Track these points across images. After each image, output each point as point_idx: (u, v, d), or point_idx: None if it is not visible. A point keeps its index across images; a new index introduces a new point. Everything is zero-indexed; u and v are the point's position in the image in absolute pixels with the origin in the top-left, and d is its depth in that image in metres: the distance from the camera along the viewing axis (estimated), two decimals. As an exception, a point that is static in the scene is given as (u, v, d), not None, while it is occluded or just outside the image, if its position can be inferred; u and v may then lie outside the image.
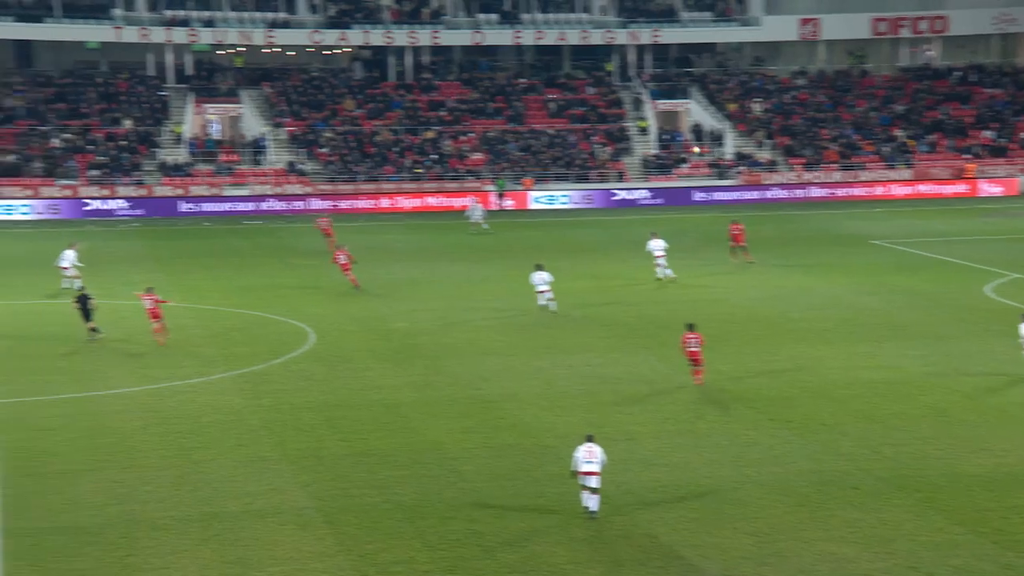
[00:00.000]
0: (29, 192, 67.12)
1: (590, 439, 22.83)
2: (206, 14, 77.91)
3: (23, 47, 78.48)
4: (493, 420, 28.25)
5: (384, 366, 33.17)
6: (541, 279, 39.98)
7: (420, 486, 23.82)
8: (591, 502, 22.12)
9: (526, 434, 27.20)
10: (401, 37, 79.80)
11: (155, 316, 35.87)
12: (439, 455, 25.73)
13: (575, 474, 22.35)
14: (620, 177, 75.50)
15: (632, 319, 39.27)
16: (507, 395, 30.33)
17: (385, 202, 71.01)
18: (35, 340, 35.61)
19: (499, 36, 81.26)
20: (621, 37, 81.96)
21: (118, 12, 76.23)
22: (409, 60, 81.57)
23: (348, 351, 34.93)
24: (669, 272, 44.85)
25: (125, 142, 72.54)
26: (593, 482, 22.15)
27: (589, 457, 22.31)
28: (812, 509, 22.57)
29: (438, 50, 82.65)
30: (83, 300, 35.86)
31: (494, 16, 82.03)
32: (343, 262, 44.85)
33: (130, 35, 75.22)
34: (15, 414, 28.07)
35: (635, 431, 27.21)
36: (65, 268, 43.43)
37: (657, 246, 44.98)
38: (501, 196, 71.45)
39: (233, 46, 79.19)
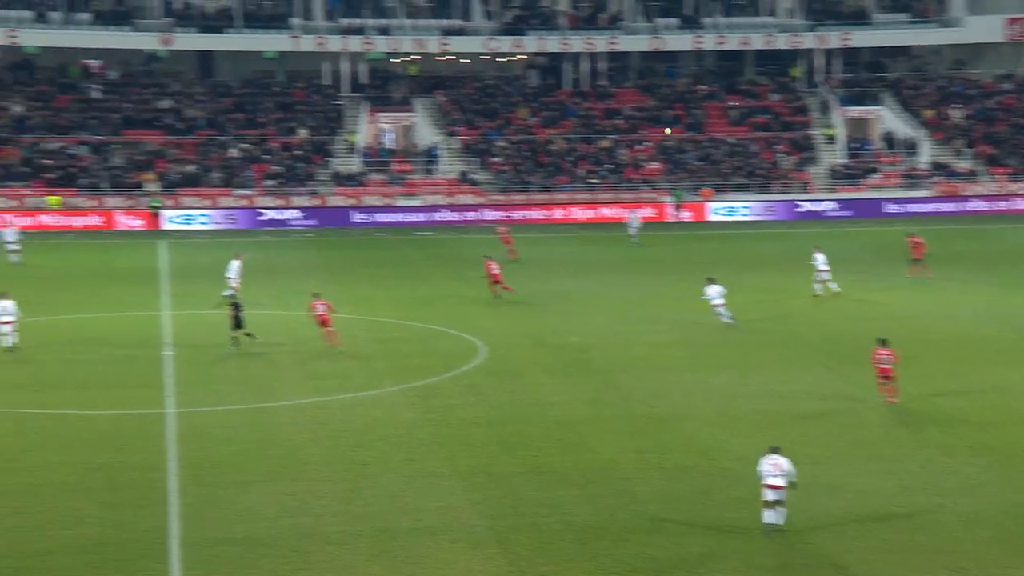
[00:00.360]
0: (207, 202, 69.66)
1: (775, 450, 22.56)
2: (382, 22, 79.62)
3: (205, 58, 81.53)
4: (668, 439, 28.03)
5: (556, 381, 33.25)
6: (715, 292, 39.91)
7: (593, 506, 23.78)
8: (776, 516, 21.87)
9: (703, 455, 26.90)
10: (577, 43, 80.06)
11: (325, 322, 36.71)
12: (613, 475, 25.64)
13: (762, 487, 22.22)
14: (805, 188, 74.16)
15: (812, 336, 38.55)
16: (682, 413, 30.06)
17: (558, 213, 71.33)
18: (209, 349, 36.89)
19: (679, 41, 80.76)
20: (808, 41, 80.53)
21: (296, 21, 78.54)
22: (585, 67, 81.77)
23: (519, 365, 35.11)
24: (834, 286, 44.16)
25: (300, 152, 74.65)
26: (778, 496, 21.91)
27: (775, 470, 22.14)
28: (1016, 544, 21.70)
29: (615, 56, 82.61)
30: (236, 307, 36.93)
31: (674, 20, 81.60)
32: (495, 272, 45.27)
33: (307, 44, 77.39)
34: (192, 424, 29.12)
35: (818, 454, 26.64)
36: (230, 278, 44.93)
37: (820, 260, 44.43)
38: (678, 207, 70.96)
39: (407, 54, 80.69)
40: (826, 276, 44.45)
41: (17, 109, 73.99)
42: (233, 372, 34.23)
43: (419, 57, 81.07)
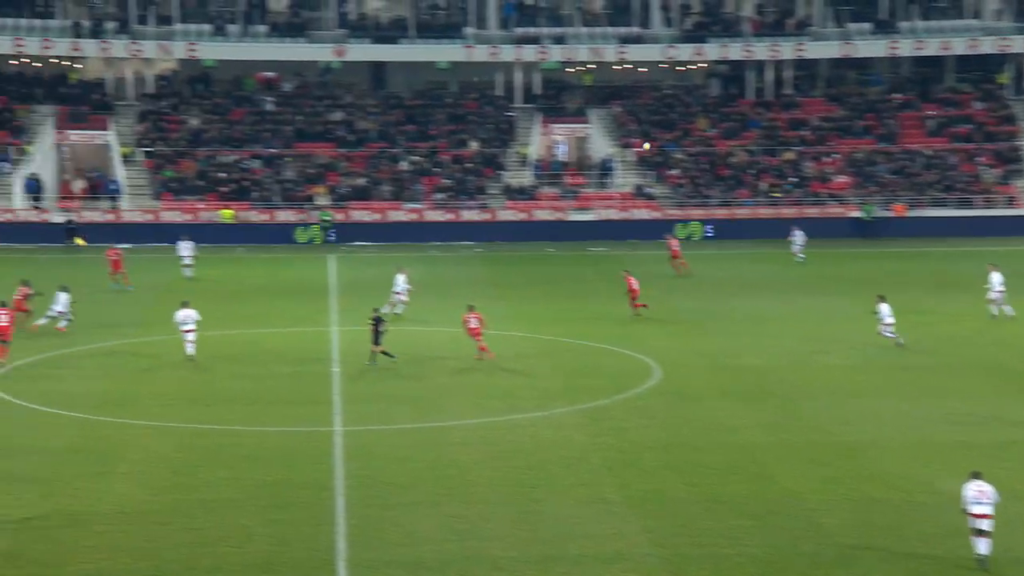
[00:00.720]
0: (377, 216, 70.96)
1: (977, 476, 21.99)
2: (557, 30, 79.94)
3: (378, 69, 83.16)
4: (856, 469, 27.31)
5: (734, 405, 32.79)
6: (886, 311, 39.27)
7: (774, 538, 23.30)
8: (986, 548, 21.36)
9: (894, 487, 26.13)
10: (762, 51, 79.02)
11: (476, 335, 37.16)
12: (796, 505, 25.09)
13: (965, 514, 21.72)
14: (1010, 202, 71.60)
15: (1013, 360, 37.13)
16: (872, 442, 29.29)
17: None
18: (383, 366, 37.44)
19: (872, 47, 78.98)
20: (1018, 44, 77.74)
21: (470, 31, 79.48)
22: (769, 75, 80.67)
23: (695, 388, 34.76)
24: (1008, 309, 42.68)
25: (471, 164, 75.44)
26: (985, 525, 21.36)
27: (979, 497, 21.66)
28: None
29: (802, 64, 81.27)
30: (378, 321, 37.31)
31: (867, 25, 79.75)
32: (635, 287, 45.20)
33: (480, 54, 78.23)
34: (359, 442, 29.59)
35: (1021, 489, 25.57)
36: (398, 293, 45.56)
37: (995, 280, 42.95)
38: (869, 223, 69.39)
39: (583, 64, 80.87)
40: (999, 297, 42.97)
41: (194, 122, 76.67)
42: (401, 390, 34.70)
43: (595, 66, 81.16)
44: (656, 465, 27.82)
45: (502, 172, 75.53)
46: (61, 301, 41.99)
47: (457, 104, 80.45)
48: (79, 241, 64.31)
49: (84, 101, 76.68)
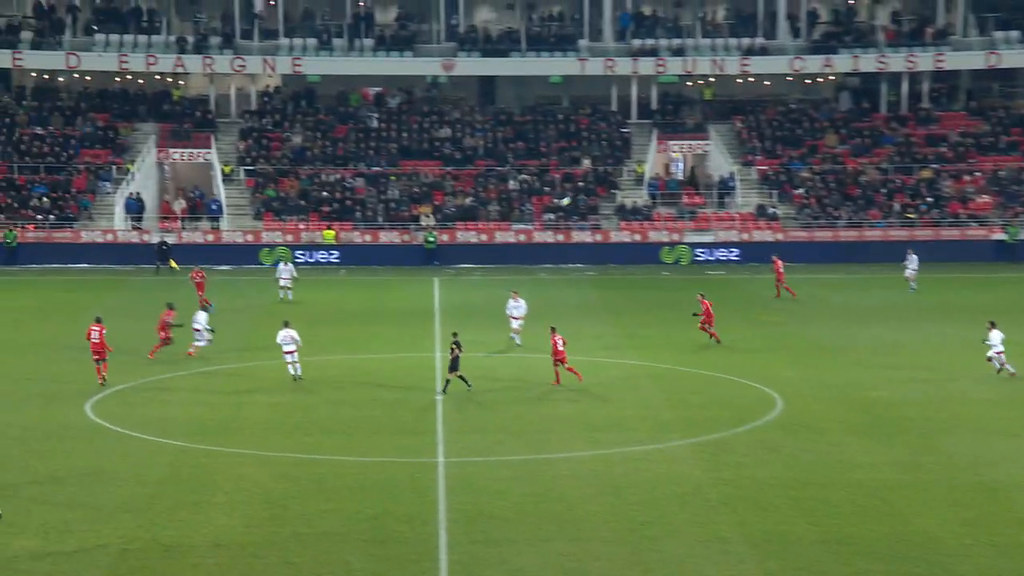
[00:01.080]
0: (484, 236, 71.29)
1: None
2: (676, 42, 79.71)
3: (487, 83, 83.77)
4: (999, 512, 26.59)
5: (862, 441, 32.21)
6: (997, 338, 39.22)
7: (905, 586, 22.78)
8: None
9: (1037, 532, 25.40)
10: (897, 62, 77.93)
11: (562, 360, 37.63)
12: (930, 549, 24.49)
13: None
14: None
15: None
16: (1017, 483, 28.52)
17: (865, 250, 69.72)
18: (481, 395, 37.49)
19: (1019, 57, 77.40)
20: None
21: (584, 43, 79.61)
22: (905, 87, 79.49)
23: (820, 421, 34.25)
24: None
25: (583, 183, 75.43)
26: None
27: None
28: None
29: (941, 76, 79.93)
30: (457, 346, 37.46)
31: (1014, 33, 78.11)
32: (708, 311, 45.15)
33: (594, 67, 78.33)
34: (463, 474, 29.58)
35: None
36: (515, 318, 45.61)
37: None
38: (1013, 245, 67.94)
39: (703, 77, 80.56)
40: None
41: (297, 140, 77.84)
42: (507, 420, 34.67)
43: (715, 79, 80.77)
44: (777, 503, 27.38)
45: (616, 191, 75.38)
46: (200, 320, 42.88)
47: (569, 120, 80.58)
48: (173, 264, 65.40)
49: (186, 119, 78.37)
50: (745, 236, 71.42)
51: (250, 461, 30.63)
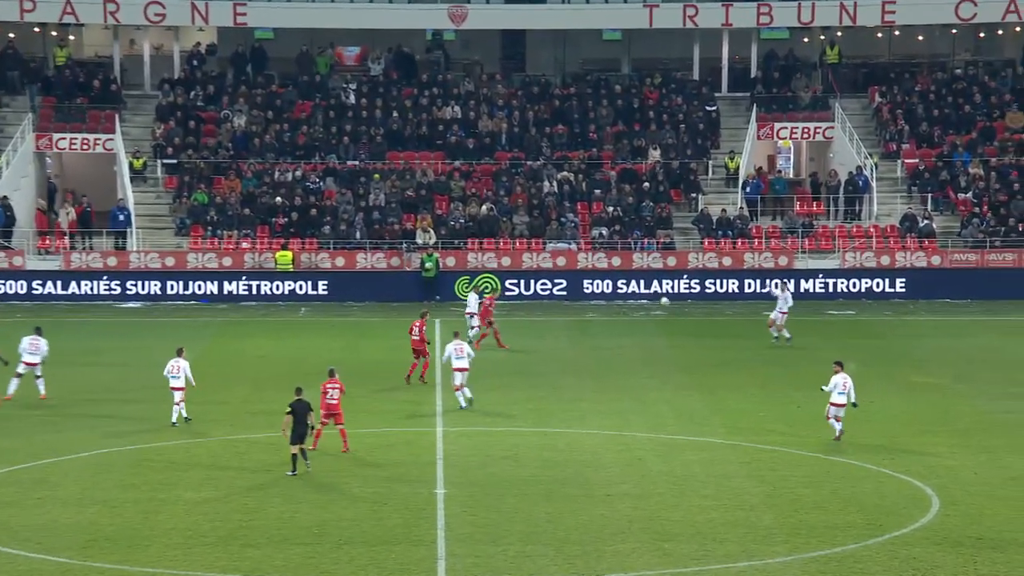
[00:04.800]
0: (507, 260, 71.17)
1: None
2: (781, -18, 79.95)
3: (513, 43, 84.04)
4: None
5: (1060, 559, 32.05)
6: (841, 383, 41.84)
7: None
8: None
9: None
10: None
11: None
12: None
13: None
14: None
15: None
16: None
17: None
18: (493, 487, 37.42)
19: None
20: None
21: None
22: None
23: (997, 531, 34.04)
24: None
25: (649, 184, 75.43)
26: None
27: None
28: None
29: None
30: (299, 409, 38.49)
31: None
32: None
33: (668, 17, 78.96)
34: None
35: None
36: (459, 370, 46.06)
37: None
38: None
39: (826, 30, 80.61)
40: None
41: (239, 122, 78.14)
42: (536, 523, 34.58)
43: (843, 34, 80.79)
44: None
45: (697, 195, 75.36)
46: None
47: (631, 93, 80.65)
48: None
49: (79, 91, 78.71)
50: (885, 260, 71.18)
51: (168, 585, 30.64)
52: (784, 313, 57.18)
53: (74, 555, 32.43)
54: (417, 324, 50.35)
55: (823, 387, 42.64)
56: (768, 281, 69.32)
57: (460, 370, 46.83)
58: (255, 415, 44.50)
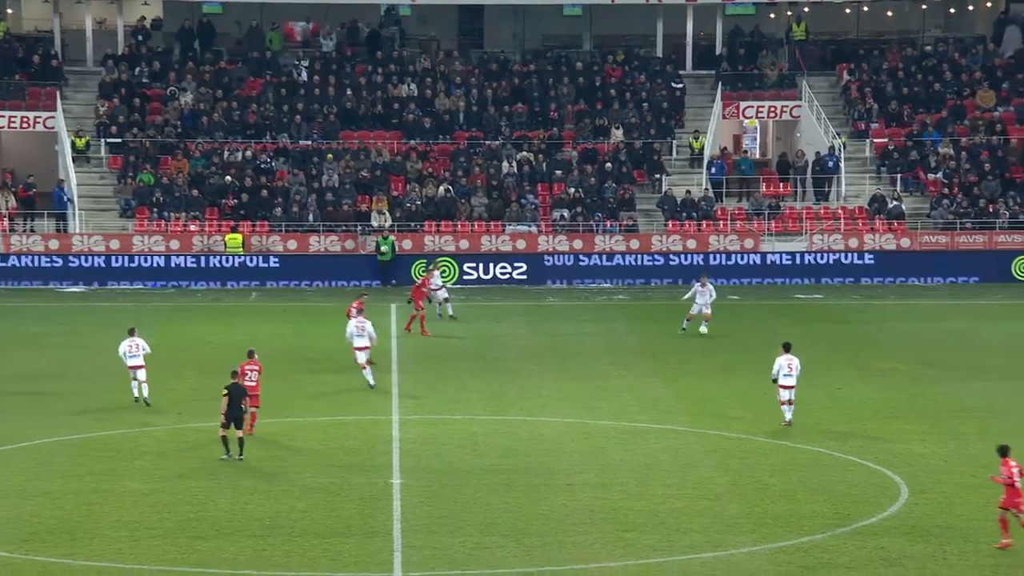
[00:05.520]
0: (465, 243, 71.03)
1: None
2: (751, -46, 79.96)
3: (471, 18, 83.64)
4: None
5: (1030, 548, 32.23)
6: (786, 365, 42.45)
7: None
8: None
9: None
10: None
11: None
12: None
13: None
14: None
15: None
16: None
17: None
18: (452, 476, 37.45)
19: None
20: None
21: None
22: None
23: (966, 520, 34.27)
24: None
25: (611, 164, 75.39)
26: None
27: None
28: None
29: None
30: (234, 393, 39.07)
31: None
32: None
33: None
34: None
35: None
36: (359, 348, 46.47)
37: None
38: None
39: (793, 4, 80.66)
40: None
41: (187, 99, 77.86)
42: (494, 514, 34.67)
43: (810, 9, 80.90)
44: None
45: (660, 176, 75.41)
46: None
47: (592, 71, 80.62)
48: None
49: (17, 67, 78.26)
50: (853, 243, 71.37)
51: (113, 579, 30.57)
52: (707, 308, 56.49)
53: (14, 549, 32.39)
54: (355, 305, 50.44)
55: (773, 379, 42.98)
56: (721, 260, 69.66)
57: (360, 349, 47.60)
58: (203, 402, 44.38)
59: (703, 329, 56.42)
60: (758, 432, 42.10)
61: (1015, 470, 31.72)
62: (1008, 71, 79.66)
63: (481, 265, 70.67)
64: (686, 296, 56.68)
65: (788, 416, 42.52)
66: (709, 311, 56.24)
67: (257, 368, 41.63)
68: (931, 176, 74.90)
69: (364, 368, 47.55)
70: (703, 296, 56.25)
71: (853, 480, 37.57)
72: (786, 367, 42.63)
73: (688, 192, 73.61)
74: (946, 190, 73.95)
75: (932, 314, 59.95)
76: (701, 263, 69.64)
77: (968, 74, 79.75)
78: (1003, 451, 32.24)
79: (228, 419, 38.95)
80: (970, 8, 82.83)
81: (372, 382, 47.36)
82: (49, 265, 69.45)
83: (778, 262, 70.68)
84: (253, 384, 41.10)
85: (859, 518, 34.30)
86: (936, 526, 33.76)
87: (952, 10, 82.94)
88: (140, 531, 33.60)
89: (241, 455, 38.97)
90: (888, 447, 40.48)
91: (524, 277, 70.37)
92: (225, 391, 39.16)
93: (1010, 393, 47.31)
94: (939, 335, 56.56)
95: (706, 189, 74.17)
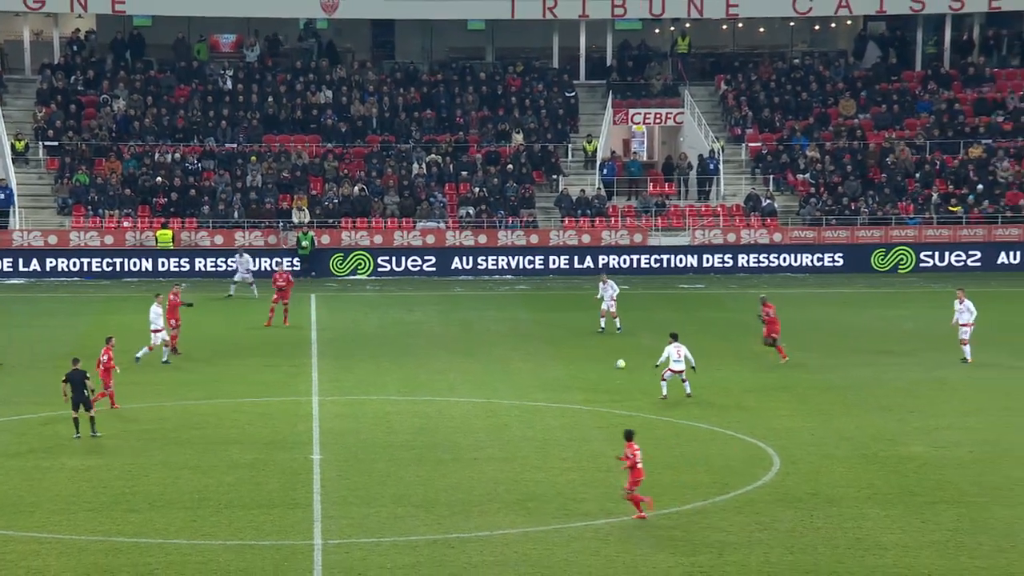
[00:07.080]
0: (379, 238, 71.12)
1: None
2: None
3: (383, 31, 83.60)
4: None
5: (890, 514, 32.57)
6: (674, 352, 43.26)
7: None
8: None
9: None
10: (938, 2, 78.53)
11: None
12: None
13: None
14: None
15: None
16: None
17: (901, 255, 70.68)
18: (368, 451, 37.45)
19: None
20: None
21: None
22: (948, 36, 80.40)
23: (831, 487, 34.59)
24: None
25: (512, 166, 75.58)
26: None
27: None
28: None
29: (996, 19, 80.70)
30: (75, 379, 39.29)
31: None
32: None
33: (529, 9, 78.51)
34: (349, 562, 29.57)
35: None
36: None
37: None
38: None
39: (676, 22, 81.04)
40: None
41: (119, 105, 77.34)
42: (406, 487, 34.71)
43: (691, 26, 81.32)
44: (774, 599, 27.66)
45: (558, 177, 75.61)
46: None
47: (495, 80, 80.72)
48: None
49: (-38, 76, 77.55)
50: (731, 237, 71.90)
51: (50, 550, 30.35)
52: (613, 302, 56.18)
53: (-39, 521, 32.11)
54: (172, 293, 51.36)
55: (656, 364, 43.76)
56: (614, 256, 69.90)
57: (156, 331, 49.00)
58: (137, 386, 44.19)
59: (603, 323, 55.87)
60: (646, 410, 42.35)
61: (638, 453, 32.03)
62: (867, 82, 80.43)
63: (394, 258, 70.66)
64: (597, 296, 56.53)
65: (666, 392, 43.35)
66: (614, 306, 55.66)
67: (109, 355, 41.83)
68: (800, 177, 75.56)
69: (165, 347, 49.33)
70: (605, 290, 56.04)
71: (730, 453, 37.93)
72: (675, 354, 43.15)
73: (583, 191, 73.92)
74: (813, 190, 74.64)
75: (801, 301, 60.46)
76: (594, 256, 69.99)
77: (832, 85, 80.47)
78: (628, 435, 32.50)
79: (75, 403, 38.85)
80: (833, 25, 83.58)
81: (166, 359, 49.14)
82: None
83: (664, 255, 71.21)
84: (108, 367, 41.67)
85: (736, 487, 34.60)
86: (805, 493, 34.13)
87: (817, 27, 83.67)
88: (77, 504, 33.45)
89: (94, 432, 38.94)
90: (762, 422, 40.83)
91: (433, 269, 70.49)
92: (65, 378, 39.07)
93: (870, 372, 47.75)
94: (808, 321, 57.01)
95: (599, 189, 74.49)
